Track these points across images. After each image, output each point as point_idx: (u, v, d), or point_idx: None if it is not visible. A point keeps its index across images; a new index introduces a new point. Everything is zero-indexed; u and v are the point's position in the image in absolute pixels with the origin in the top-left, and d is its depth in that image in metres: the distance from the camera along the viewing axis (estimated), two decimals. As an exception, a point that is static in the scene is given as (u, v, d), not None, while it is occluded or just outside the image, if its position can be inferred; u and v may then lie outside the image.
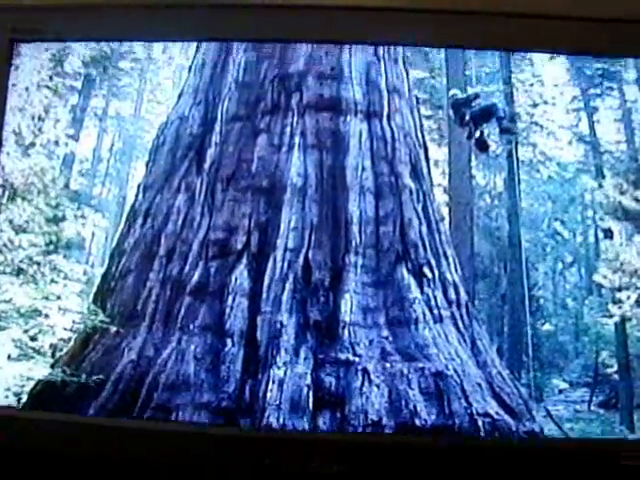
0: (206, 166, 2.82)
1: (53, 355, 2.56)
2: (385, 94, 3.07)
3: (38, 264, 2.69)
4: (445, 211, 2.98)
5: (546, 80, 3.11)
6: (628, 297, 2.60)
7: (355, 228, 2.71)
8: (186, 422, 2.34)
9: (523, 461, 2.08)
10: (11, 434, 2.21)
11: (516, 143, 2.98)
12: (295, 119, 2.88)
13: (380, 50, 3.06)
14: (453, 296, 2.78)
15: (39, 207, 2.72)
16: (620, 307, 2.64)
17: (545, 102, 3.08)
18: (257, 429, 2.26)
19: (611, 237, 2.78)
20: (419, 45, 2.74)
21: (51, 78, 2.86)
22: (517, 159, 2.99)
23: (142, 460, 2.11)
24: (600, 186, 2.77)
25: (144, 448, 2.14)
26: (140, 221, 2.85)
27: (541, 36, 2.41)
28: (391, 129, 2.95)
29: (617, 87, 3.03)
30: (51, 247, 2.75)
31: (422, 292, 2.70)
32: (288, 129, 2.86)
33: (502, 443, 2.36)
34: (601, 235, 2.87)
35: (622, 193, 2.71)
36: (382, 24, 2.42)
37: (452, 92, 3.11)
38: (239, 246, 2.69)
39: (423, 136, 3.06)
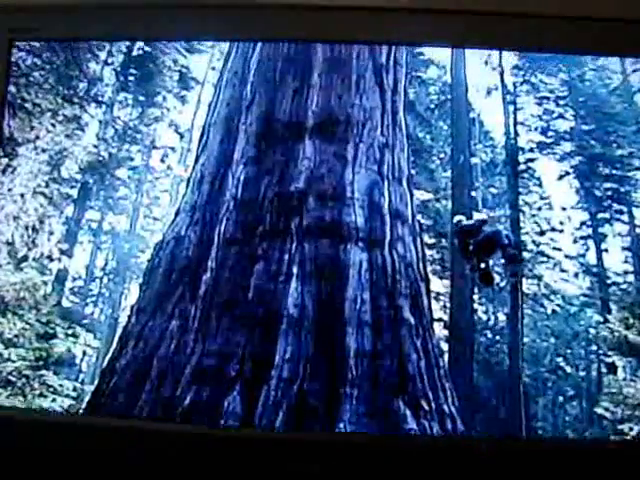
0: (201, 292, 2.84)
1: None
2: (387, 219, 3.08)
3: (27, 377, 2.72)
4: (445, 345, 2.98)
5: (554, 202, 3.13)
6: (631, 428, 2.62)
7: (352, 361, 2.72)
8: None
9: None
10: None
11: (521, 275, 2.99)
12: (294, 245, 2.88)
13: (384, 168, 3.06)
14: (449, 427, 2.79)
15: (30, 323, 2.75)
16: (622, 439, 2.67)
17: (552, 229, 3.10)
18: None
19: (614, 372, 2.81)
20: (421, 44, 2.70)
21: (47, 184, 2.87)
22: (521, 293, 3.01)
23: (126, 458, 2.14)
24: (605, 320, 2.79)
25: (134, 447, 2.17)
26: (132, 343, 2.87)
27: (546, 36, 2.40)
28: (392, 260, 2.97)
29: (627, 210, 3.04)
30: (41, 362, 2.78)
31: (418, 423, 2.70)
32: (286, 257, 2.87)
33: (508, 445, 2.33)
34: (604, 370, 2.89)
35: (628, 327, 2.73)
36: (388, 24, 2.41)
37: (457, 218, 3.12)
38: (232, 373, 2.69)
39: (425, 268, 3.08)
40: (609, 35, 2.26)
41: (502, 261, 3.00)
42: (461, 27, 2.29)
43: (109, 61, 3.46)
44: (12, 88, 2.64)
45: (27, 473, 2.09)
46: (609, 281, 2.86)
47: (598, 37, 2.28)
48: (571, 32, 2.25)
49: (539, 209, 3.18)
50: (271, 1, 2.34)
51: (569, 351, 3.02)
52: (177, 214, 3.16)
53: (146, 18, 2.38)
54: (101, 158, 3.01)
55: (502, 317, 2.97)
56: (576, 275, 2.95)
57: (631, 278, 2.81)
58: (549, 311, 2.96)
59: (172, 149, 3.40)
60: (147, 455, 2.07)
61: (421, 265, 3.09)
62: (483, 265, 2.98)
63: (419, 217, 3.18)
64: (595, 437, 2.83)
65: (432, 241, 3.12)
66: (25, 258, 2.86)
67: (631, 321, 2.68)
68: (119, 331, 2.98)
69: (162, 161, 3.23)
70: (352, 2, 2.28)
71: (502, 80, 3.68)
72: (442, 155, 3.48)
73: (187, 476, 2.06)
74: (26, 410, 2.66)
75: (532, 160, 3.36)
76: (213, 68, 3.83)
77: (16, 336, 2.71)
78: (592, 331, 2.85)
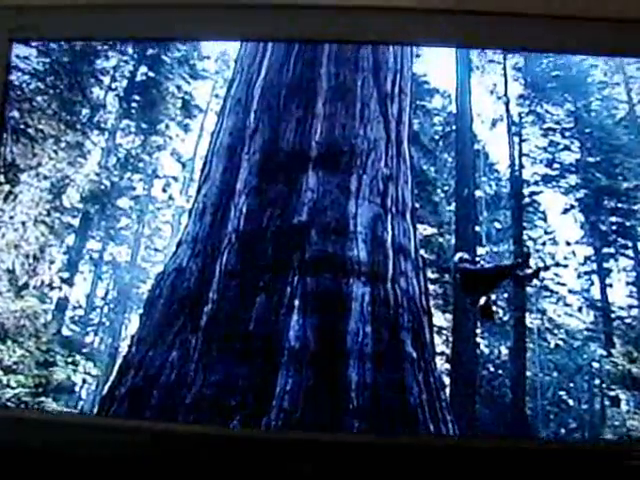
0: (202, 323, 2.90)
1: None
2: (390, 254, 3.14)
3: (26, 404, 2.79)
4: (447, 379, 3.05)
5: (559, 237, 3.20)
6: (634, 461, 2.69)
7: (353, 393, 2.77)
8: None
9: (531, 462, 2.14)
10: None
11: (524, 310, 3.06)
12: (296, 278, 2.94)
13: (388, 201, 3.14)
14: (451, 458, 2.85)
15: (30, 350, 2.82)
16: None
17: (557, 264, 3.16)
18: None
19: (618, 405, 2.89)
20: (426, 45, 2.81)
21: (49, 213, 2.95)
22: (524, 327, 3.08)
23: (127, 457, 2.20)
24: (609, 354, 2.87)
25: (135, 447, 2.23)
26: (132, 372, 2.93)
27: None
28: (395, 294, 3.02)
29: (632, 245, 3.12)
30: (40, 389, 2.85)
31: (419, 455, 2.76)
32: (288, 289, 2.92)
33: (504, 445, 2.38)
34: (607, 403, 2.97)
35: (632, 361, 2.81)
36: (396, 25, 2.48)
37: (459, 255, 3.18)
38: (233, 404, 2.73)
39: (428, 302, 3.13)
40: (618, 35, 2.33)
41: (514, 287, 3.07)
42: (466, 27, 2.36)
43: (113, 86, 3.55)
44: (15, 113, 2.72)
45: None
46: (613, 315, 2.93)
47: (606, 37, 2.35)
48: (580, 32, 2.33)
49: (543, 244, 3.24)
50: (274, 1, 2.42)
51: (572, 384, 3.09)
52: (179, 245, 3.23)
53: (147, 18, 2.45)
54: (103, 187, 3.09)
55: (505, 351, 3.04)
56: (580, 309, 3.02)
57: (635, 312, 2.88)
58: (552, 345, 3.03)
59: (174, 179, 3.46)
60: (147, 455, 2.14)
61: (424, 299, 3.15)
62: (484, 300, 3.05)
63: (422, 251, 3.25)
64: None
65: (435, 276, 3.18)
66: (26, 286, 2.94)
67: (635, 355, 2.76)
68: (119, 360, 3.05)
69: (164, 191, 3.30)
70: (357, 2, 2.37)
71: (507, 110, 3.74)
72: (446, 188, 3.53)
73: (190, 476, 2.13)
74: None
75: (537, 193, 3.40)
76: (216, 95, 3.90)
77: (15, 363, 2.78)
78: (595, 365, 2.93)
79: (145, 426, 2.38)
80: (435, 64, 3.77)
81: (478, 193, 3.43)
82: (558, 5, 2.34)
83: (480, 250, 3.14)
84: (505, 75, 3.83)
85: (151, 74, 3.69)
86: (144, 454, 2.18)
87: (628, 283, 3.00)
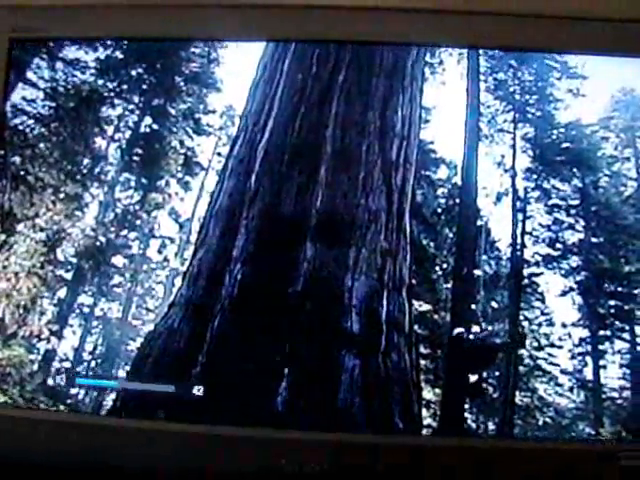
0: (190, 385, 3.08)
1: None
2: (384, 328, 3.31)
3: (6, 445, 2.99)
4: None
5: (555, 319, 3.39)
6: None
7: None
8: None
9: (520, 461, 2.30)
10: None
11: (514, 388, 3.26)
12: (287, 347, 3.11)
13: (385, 276, 3.34)
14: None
15: (13, 398, 3.01)
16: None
17: (551, 345, 3.35)
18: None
19: (602, 480, 3.09)
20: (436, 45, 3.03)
21: (42, 266, 3.16)
22: (514, 404, 3.27)
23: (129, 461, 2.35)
24: (597, 433, 3.08)
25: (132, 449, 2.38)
26: (117, 428, 3.08)
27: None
28: (386, 367, 3.20)
29: (629, 327, 3.31)
30: (20, 434, 3.06)
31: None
32: (279, 358, 3.09)
33: (498, 443, 2.62)
34: (594, 480, 3.17)
35: (619, 440, 3.02)
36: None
37: (454, 333, 3.37)
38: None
39: (418, 376, 3.31)
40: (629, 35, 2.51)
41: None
42: (477, 28, 2.55)
43: (115, 137, 3.74)
44: (17, 159, 2.93)
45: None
46: (604, 396, 3.12)
47: (618, 38, 2.53)
48: (591, 33, 2.51)
49: (539, 325, 3.37)
50: (279, 1, 2.62)
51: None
52: (171, 307, 3.39)
53: (151, 18, 2.65)
54: (98, 243, 3.26)
55: (492, 426, 3.22)
56: (571, 390, 3.16)
57: (627, 394, 3.06)
58: (540, 422, 3.21)
59: (170, 240, 3.58)
60: (149, 457, 2.33)
61: (414, 373, 3.32)
62: (476, 377, 3.26)
63: (416, 327, 3.44)
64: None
65: (427, 351, 3.35)
66: (14, 335, 3.15)
67: (624, 434, 2.98)
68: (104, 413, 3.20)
69: (159, 252, 3.46)
70: (364, 3, 2.56)
71: (513, 184, 3.82)
72: (445, 265, 3.65)
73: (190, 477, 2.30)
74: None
75: (537, 275, 3.52)
76: (219, 154, 4.05)
77: (-3, 409, 2.98)
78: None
79: (151, 427, 2.69)
80: (443, 130, 3.81)
81: (477, 272, 3.57)
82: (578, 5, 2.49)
83: (475, 328, 3.30)
84: (514, 146, 3.95)
85: (155, 126, 3.81)
86: (147, 457, 2.35)
87: (622, 365, 3.16)
